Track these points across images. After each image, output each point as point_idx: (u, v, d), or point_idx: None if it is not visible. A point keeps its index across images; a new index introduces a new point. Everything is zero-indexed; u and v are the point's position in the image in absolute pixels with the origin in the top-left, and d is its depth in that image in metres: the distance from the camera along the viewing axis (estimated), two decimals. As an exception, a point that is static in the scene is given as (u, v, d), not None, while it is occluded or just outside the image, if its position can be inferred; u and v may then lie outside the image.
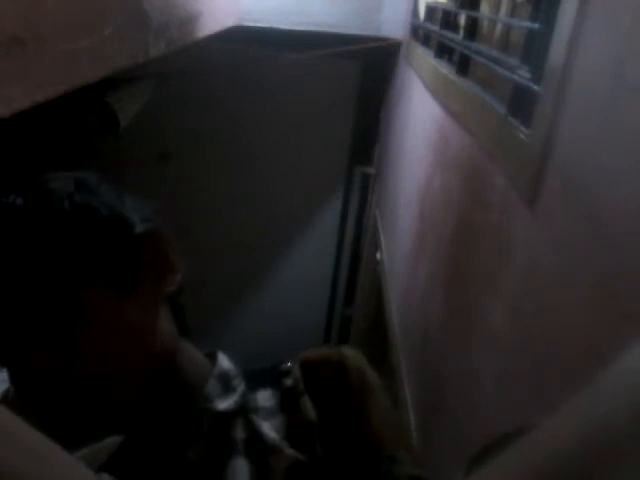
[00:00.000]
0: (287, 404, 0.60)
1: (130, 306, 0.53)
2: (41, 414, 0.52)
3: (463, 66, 1.46)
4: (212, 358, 0.63)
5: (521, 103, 0.94)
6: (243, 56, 3.00)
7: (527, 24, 0.97)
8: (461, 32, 1.56)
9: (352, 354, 0.62)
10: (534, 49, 0.91)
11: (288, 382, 0.60)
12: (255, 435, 0.57)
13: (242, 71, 3.15)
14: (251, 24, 2.69)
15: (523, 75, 0.95)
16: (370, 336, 2.87)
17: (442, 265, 1.42)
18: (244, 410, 0.58)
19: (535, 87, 0.87)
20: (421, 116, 1.97)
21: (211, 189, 3.57)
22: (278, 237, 3.77)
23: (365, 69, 3.29)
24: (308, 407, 0.58)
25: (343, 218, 3.62)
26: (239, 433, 0.57)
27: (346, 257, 3.67)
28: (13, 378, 0.52)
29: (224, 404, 0.58)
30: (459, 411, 1.13)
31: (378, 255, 2.69)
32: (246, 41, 2.81)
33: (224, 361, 0.63)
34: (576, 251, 0.68)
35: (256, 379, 0.62)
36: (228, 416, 0.57)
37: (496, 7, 1.60)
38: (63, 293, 0.50)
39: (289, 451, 0.56)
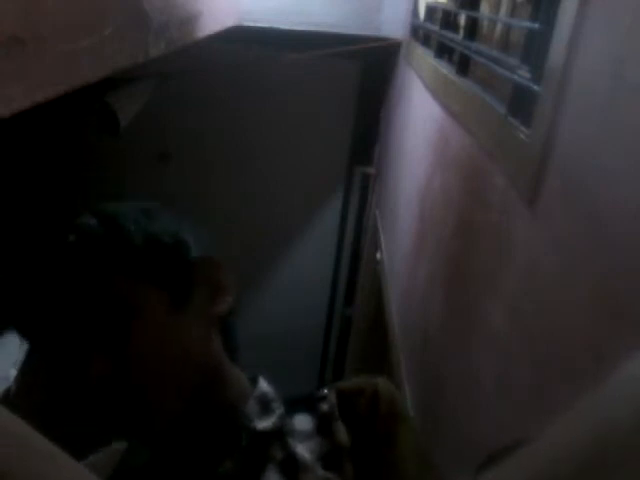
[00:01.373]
0: (323, 428, 0.63)
1: (183, 321, 0.59)
2: (83, 417, 0.57)
3: (463, 66, 1.45)
4: (253, 381, 0.67)
5: (521, 103, 0.94)
6: (243, 56, 3.00)
7: (527, 24, 0.97)
8: (461, 32, 1.56)
9: (385, 385, 0.66)
10: (534, 49, 0.91)
11: (325, 407, 0.64)
12: (290, 456, 0.60)
13: (242, 71, 3.15)
14: (251, 24, 2.69)
15: (523, 75, 0.95)
16: (370, 336, 2.87)
17: (442, 265, 1.41)
18: (281, 432, 0.61)
19: (535, 87, 0.87)
20: (421, 116, 1.97)
21: (211, 189, 3.57)
22: (278, 237, 3.76)
23: (365, 69, 3.29)
24: (341, 431, 0.62)
25: (343, 218, 3.62)
26: (275, 453, 0.60)
27: (346, 257, 3.66)
28: (68, 379, 0.56)
29: (263, 424, 0.61)
30: (459, 411, 1.13)
31: (378, 255, 2.69)
32: (246, 41, 2.80)
33: (264, 385, 0.67)
34: (576, 251, 0.68)
35: (293, 405, 0.65)
36: (266, 436, 0.60)
37: (496, 7, 1.59)
38: (126, 302, 0.56)
39: (320, 471, 0.59)
